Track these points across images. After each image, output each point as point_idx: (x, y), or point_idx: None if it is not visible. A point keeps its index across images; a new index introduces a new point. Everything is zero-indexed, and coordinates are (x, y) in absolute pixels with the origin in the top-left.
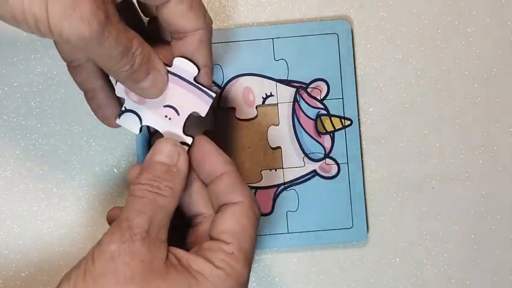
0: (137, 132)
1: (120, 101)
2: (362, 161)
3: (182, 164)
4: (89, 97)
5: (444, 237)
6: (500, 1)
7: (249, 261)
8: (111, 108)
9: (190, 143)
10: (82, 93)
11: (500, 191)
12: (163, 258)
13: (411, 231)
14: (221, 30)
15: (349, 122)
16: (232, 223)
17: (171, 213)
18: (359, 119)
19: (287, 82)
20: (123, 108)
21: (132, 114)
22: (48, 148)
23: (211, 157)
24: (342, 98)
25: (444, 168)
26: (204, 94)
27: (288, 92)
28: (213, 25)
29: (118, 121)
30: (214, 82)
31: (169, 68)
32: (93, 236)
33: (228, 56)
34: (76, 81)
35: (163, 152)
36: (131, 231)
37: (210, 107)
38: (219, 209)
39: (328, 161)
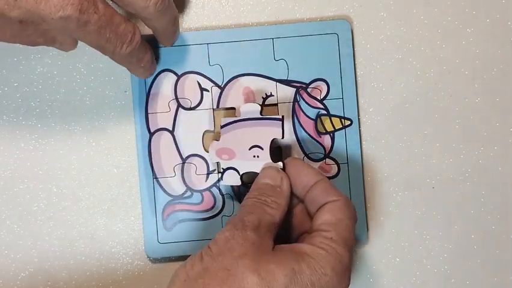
0: (240, 183)
1: None
2: (362, 161)
3: (285, 185)
4: None
5: (444, 237)
6: (500, 1)
7: (348, 246)
8: None
9: (282, 167)
10: (82, 93)
11: (500, 191)
12: (270, 246)
13: (411, 231)
14: (221, 31)
15: (349, 122)
16: (328, 216)
17: (277, 224)
18: (359, 119)
19: (287, 82)
20: (221, 170)
21: (230, 170)
22: (48, 148)
23: (304, 171)
24: (342, 98)
25: (444, 168)
26: (273, 121)
27: (288, 92)
28: (213, 24)
29: (222, 182)
30: (213, 82)
31: (239, 117)
32: (93, 236)
33: (228, 56)
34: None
35: (267, 176)
36: (243, 223)
37: (282, 128)
38: (317, 210)
39: (328, 161)
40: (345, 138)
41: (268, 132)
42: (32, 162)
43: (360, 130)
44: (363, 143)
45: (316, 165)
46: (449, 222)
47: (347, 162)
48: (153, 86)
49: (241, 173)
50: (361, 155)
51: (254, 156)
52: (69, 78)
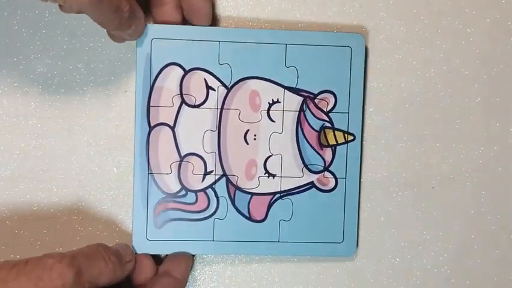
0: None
1: None
2: (360, 179)
3: (129, 266)
4: None
5: (444, 237)
6: (500, 1)
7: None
8: None
9: None
10: (82, 93)
11: (500, 191)
12: None
13: (411, 231)
14: (234, 29)
15: (352, 138)
16: None
17: (100, 281)
18: (362, 136)
19: (295, 90)
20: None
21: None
22: (48, 148)
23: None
24: (348, 113)
25: (444, 168)
26: None
27: (295, 101)
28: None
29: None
30: (221, 81)
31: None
32: (93, 237)
33: (238, 56)
34: None
35: (123, 250)
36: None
37: None
38: None
39: (327, 174)
40: (346, 154)
41: None
42: (32, 162)
43: (362, 147)
44: (364, 143)
45: (314, 177)
46: (449, 222)
47: (345, 178)
48: (158, 78)
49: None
50: (360, 173)
51: None
52: (69, 78)
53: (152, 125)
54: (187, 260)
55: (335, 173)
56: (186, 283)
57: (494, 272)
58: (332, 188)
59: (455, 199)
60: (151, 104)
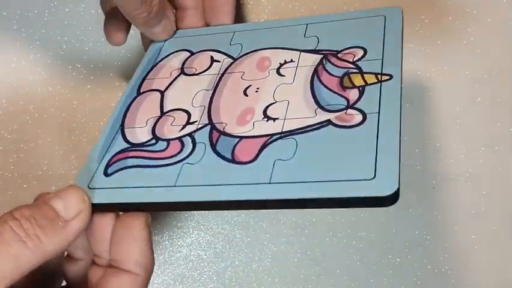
0: None
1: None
2: (401, 116)
3: (74, 225)
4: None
5: (444, 237)
6: (501, 1)
7: None
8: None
9: None
10: (82, 93)
11: (500, 191)
12: None
13: (412, 231)
14: (251, 23)
15: (387, 77)
16: None
17: (25, 269)
18: (401, 76)
19: (314, 51)
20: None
21: None
22: (48, 148)
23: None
24: (382, 58)
25: (445, 168)
26: None
27: (311, 58)
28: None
29: None
30: (228, 55)
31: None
32: None
33: (252, 36)
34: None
35: (62, 200)
36: None
37: None
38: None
39: (350, 111)
40: (380, 91)
41: None
42: (32, 162)
43: (401, 87)
44: None
45: (332, 115)
46: (449, 222)
47: (378, 112)
48: (163, 60)
49: None
50: (400, 111)
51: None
52: (69, 78)
53: (141, 92)
54: (141, 237)
55: (363, 109)
56: (151, 272)
57: (494, 272)
58: (357, 123)
59: (456, 199)
60: (147, 78)
